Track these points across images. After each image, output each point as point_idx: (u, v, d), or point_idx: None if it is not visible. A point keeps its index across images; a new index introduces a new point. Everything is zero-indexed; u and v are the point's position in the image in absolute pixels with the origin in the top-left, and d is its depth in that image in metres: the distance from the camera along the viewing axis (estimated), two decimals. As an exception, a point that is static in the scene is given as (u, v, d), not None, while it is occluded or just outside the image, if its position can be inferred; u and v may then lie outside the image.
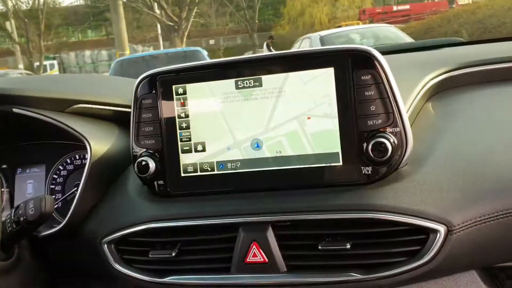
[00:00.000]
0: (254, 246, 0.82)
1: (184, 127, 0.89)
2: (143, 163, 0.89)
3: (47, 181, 1.18)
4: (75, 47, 34.54)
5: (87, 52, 31.88)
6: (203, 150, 0.89)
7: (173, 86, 0.90)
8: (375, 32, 9.97)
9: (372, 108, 0.80)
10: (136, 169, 0.90)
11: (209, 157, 0.89)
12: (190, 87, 0.89)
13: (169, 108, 0.90)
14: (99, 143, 1.00)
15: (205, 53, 8.61)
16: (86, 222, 0.97)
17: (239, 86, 0.86)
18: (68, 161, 1.17)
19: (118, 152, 1.04)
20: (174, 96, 0.90)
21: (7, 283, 0.87)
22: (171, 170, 0.90)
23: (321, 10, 33.22)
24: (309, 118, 0.83)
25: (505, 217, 0.75)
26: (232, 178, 0.87)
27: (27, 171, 1.21)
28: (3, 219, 0.85)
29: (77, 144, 1.10)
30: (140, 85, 0.92)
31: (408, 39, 9.37)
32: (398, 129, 0.79)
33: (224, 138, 0.88)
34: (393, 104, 0.79)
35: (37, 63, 26.41)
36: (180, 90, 0.89)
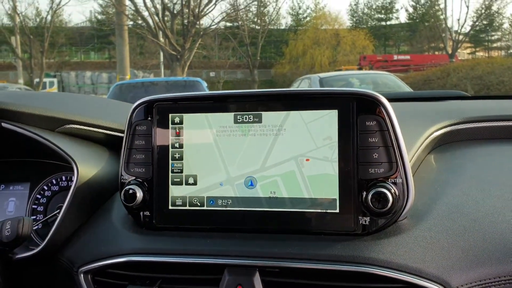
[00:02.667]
0: None
1: (177, 157, 0.86)
2: (131, 191, 0.85)
3: (30, 200, 1.13)
4: (77, 67, 34.80)
5: (88, 73, 32.10)
6: (194, 183, 0.85)
7: (170, 115, 0.87)
8: (375, 79, 10.11)
9: (375, 155, 0.77)
10: (122, 197, 0.86)
11: (200, 192, 0.85)
12: (187, 117, 0.86)
13: (163, 137, 0.87)
14: (87, 166, 0.96)
15: (204, 84, 8.67)
16: (65, 247, 0.92)
17: (238, 121, 0.83)
18: (54, 181, 1.13)
19: (106, 177, 1.00)
20: (170, 125, 0.87)
21: None
22: (158, 202, 0.86)
23: (323, 52, 33.83)
24: (307, 160, 0.80)
25: (508, 284, 0.71)
26: (222, 215, 0.83)
27: (10, 188, 1.17)
28: None
29: (65, 165, 1.06)
30: (136, 111, 0.89)
31: (407, 89, 9.50)
32: (400, 180, 0.76)
33: (217, 173, 0.84)
34: (397, 153, 0.76)
35: (37, 80, 26.50)
36: (177, 119, 0.86)
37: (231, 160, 0.84)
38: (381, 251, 0.74)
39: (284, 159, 0.81)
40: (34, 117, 0.99)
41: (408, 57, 33.09)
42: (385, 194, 0.74)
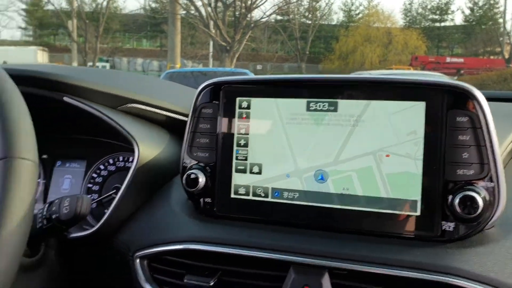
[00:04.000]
0: None
1: (242, 144, 0.81)
2: (193, 176, 0.81)
3: (86, 179, 1.11)
4: (128, 54, 35.58)
5: (139, 60, 32.79)
6: (259, 172, 0.80)
7: (237, 99, 0.82)
8: (427, 80, 9.79)
9: (465, 155, 0.69)
10: (184, 181, 0.81)
11: (265, 182, 0.79)
12: (255, 101, 0.81)
13: (229, 121, 0.82)
14: (148, 147, 0.93)
15: (252, 76, 8.60)
16: (121, 230, 0.89)
17: (311, 108, 0.77)
18: (111, 161, 1.11)
19: (166, 160, 0.97)
20: (237, 109, 0.82)
21: (27, 281, 0.79)
22: (221, 189, 0.81)
23: (374, 50, 33.20)
24: (387, 155, 0.73)
25: None
26: (287, 209, 0.78)
27: (67, 165, 1.15)
28: (35, 211, 0.78)
29: (123, 146, 1.04)
30: (202, 93, 0.84)
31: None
32: (492, 184, 0.68)
33: (284, 163, 0.78)
34: (489, 154, 0.68)
35: (90, 63, 27.29)
36: (244, 104, 0.81)
37: (301, 151, 0.78)
38: (467, 261, 0.66)
39: (361, 153, 0.74)
40: (97, 94, 0.97)
41: (461, 60, 31.92)
42: (474, 198, 0.67)
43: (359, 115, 0.75)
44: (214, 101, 0.84)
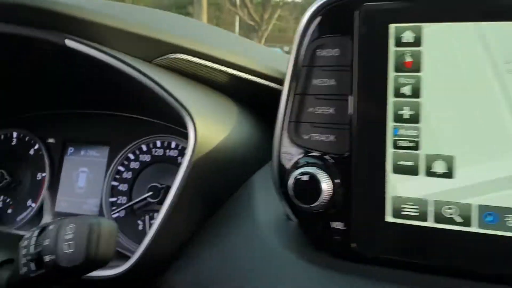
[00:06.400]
0: None
1: (406, 117, 0.43)
2: (306, 178, 0.43)
3: (109, 173, 0.77)
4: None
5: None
6: (447, 174, 0.42)
7: (393, 26, 0.44)
8: None
9: None
10: (292, 189, 0.43)
11: (462, 193, 0.41)
12: (432, 30, 0.43)
13: (377, 72, 0.44)
14: (209, 127, 0.56)
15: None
16: (169, 267, 0.53)
17: None
18: (144, 148, 0.76)
19: (241, 149, 0.61)
20: (392, 49, 0.44)
21: None
22: (364, 206, 0.43)
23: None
24: None
25: None
26: None
27: (82, 153, 0.82)
28: (24, 243, 0.44)
29: (162, 124, 0.73)
30: (317, 19, 0.45)
31: None
32: None
33: (508, 154, 0.40)
34: None
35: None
36: (408, 36, 0.43)
37: None
38: None
39: None
40: (121, 34, 0.59)
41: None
42: None
43: None
44: (341, 34, 0.45)
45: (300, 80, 0.48)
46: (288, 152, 0.48)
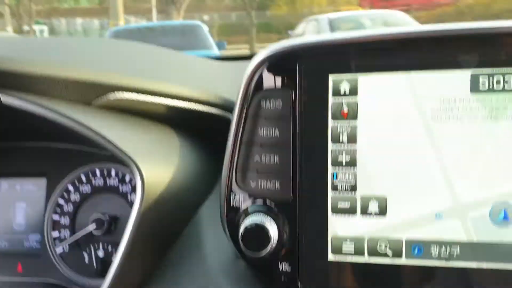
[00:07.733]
0: None
1: (344, 162, 0.45)
2: (254, 227, 0.45)
3: (50, 207, 0.75)
4: (66, 14, 33.46)
5: (79, 20, 30.93)
6: (381, 212, 0.45)
7: (331, 77, 0.46)
8: (386, 19, 9.54)
9: None
10: (241, 240, 0.45)
11: (393, 229, 0.46)
12: (366, 80, 0.46)
13: (317, 121, 0.47)
14: (155, 171, 0.56)
15: (206, 28, 7.93)
16: None
17: (479, 88, 0.42)
18: (83, 178, 0.74)
19: (189, 182, 0.61)
20: (331, 99, 0.46)
21: None
22: (308, 246, 0.47)
23: (321, -8, 32.65)
24: None
25: None
26: (441, 278, 0.44)
27: (17, 187, 0.78)
28: None
29: (97, 153, 0.71)
30: (259, 70, 0.47)
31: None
32: None
33: (431, 194, 0.44)
34: None
35: (26, 27, 25.43)
36: (345, 87, 0.46)
37: (463, 170, 0.44)
38: None
39: None
40: (56, 83, 0.57)
41: (411, -6, 31.84)
42: None
43: None
44: (283, 87, 0.47)
45: (245, 129, 0.49)
46: (236, 199, 0.49)
